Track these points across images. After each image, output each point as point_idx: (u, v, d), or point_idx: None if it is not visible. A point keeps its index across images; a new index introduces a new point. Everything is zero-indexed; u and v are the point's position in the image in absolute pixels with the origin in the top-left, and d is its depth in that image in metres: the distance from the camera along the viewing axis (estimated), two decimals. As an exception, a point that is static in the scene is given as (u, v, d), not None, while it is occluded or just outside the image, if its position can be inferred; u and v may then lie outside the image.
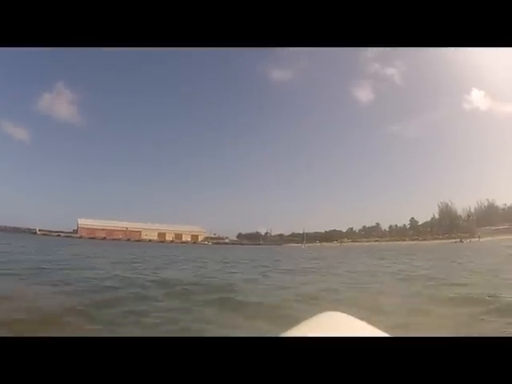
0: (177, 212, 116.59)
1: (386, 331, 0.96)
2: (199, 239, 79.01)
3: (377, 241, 74.24)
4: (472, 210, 75.57)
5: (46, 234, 65.23)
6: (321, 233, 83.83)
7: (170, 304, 5.69)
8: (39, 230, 67.88)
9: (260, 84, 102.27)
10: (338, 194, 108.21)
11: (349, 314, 1.06)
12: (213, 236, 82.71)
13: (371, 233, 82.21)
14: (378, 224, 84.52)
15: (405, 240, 71.50)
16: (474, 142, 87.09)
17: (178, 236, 78.54)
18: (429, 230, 77.31)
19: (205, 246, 63.94)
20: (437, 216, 77.92)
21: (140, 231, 76.93)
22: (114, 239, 66.23)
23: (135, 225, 77.01)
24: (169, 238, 77.02)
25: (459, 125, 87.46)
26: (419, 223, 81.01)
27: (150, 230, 77.50)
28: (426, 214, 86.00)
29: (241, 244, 73.00)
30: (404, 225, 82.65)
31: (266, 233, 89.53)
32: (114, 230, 73.96)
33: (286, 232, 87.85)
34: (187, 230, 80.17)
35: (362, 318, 1.03)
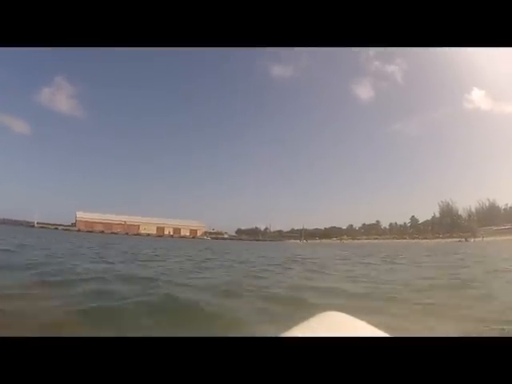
0: (176, 207, 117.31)
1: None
2: (198, 234, 79.28)
3: (376, 238, 73.80)
4: (473, 210, 75.67)
5: (44, 226, 65.58)
6: (320, 230, 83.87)
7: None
8: (37, 223, 68.34)
9: (261, 81, 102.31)
10: (338, 191, 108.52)
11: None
12: (212, 231, 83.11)
13: (371, 230, 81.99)
14: (378, 222, 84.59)
15: (405, 238, 71.36)
16: (476, 141, 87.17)
17: (177, 230, 78.78)
18: (429, 228, 77.20)
19: (202, 240, 64.12)
20: (437, 215, 78.23)
21: (138, 225, 77.16)
22: (112, 233, 66.82)
23: (134, 218, 77.42)
24: (167, 232, 77.47)
25: (461, 124, 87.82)
26: (420, 222, 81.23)
27: (148, 224, 77.77)
28: (426, 212, 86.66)
29: (240, 239, 73.18)
30: (404, 223, 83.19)
31: (266, 229, 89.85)
32: (113, 224, 74.31)
33: (286, 228, 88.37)
34: (186, 225, 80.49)
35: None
